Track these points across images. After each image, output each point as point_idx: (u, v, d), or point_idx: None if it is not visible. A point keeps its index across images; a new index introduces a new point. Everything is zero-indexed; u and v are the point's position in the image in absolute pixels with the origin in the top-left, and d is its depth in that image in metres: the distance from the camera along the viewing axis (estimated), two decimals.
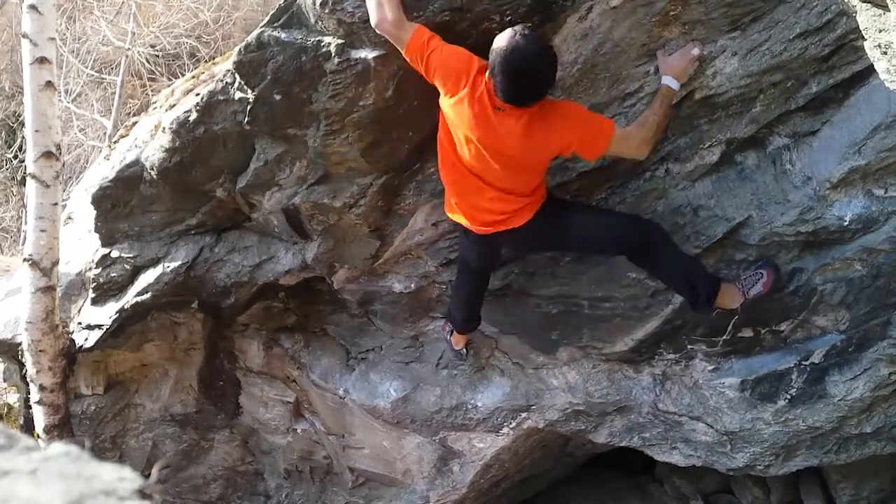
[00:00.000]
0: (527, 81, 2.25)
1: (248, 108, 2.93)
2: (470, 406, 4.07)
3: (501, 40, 2.24)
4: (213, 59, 5.02)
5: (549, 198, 2.76)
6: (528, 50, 2.20)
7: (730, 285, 2.93)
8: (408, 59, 2.43)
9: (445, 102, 2.45)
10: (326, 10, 2.53)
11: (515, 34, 2.22)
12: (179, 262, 3.77)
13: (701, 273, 2.90)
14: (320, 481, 4.85)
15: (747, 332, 3.31)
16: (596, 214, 3.01)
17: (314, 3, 2.55)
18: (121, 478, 0.67)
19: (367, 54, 2.60)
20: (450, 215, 2.85)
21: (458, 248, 3.32)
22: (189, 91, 3.66)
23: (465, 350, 3.66)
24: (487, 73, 2.30)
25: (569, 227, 2.80)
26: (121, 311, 3.97)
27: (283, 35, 2.71)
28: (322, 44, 2.65)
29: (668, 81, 2.55)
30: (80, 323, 4.16)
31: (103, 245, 3.93)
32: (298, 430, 4.65)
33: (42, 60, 3.69)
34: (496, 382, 4.02)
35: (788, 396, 3.33)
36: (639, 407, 3.74)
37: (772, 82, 2.66)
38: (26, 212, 5.80)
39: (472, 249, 2.97)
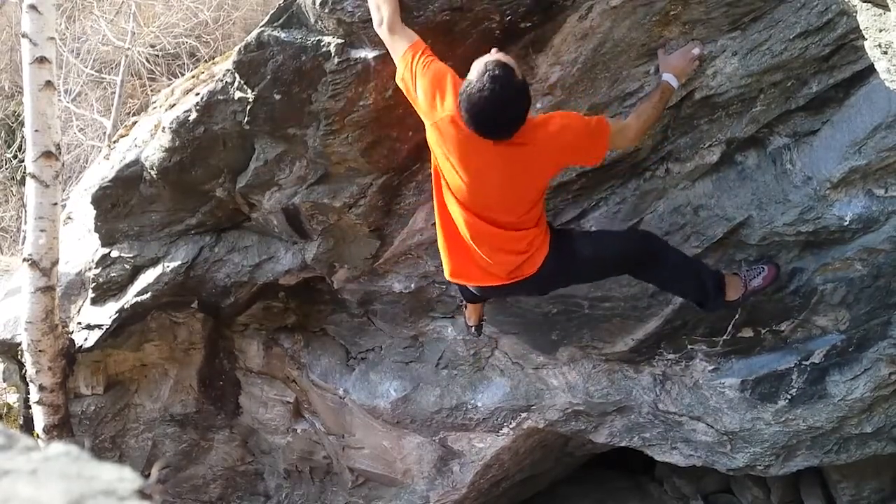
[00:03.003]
0: (492, 123, 2.16)
1: (248, 107, 2.93)
2: (470, 406, 4.07)
3: (472, 73, 2.14)
4: (213, 58, 5.01)
5: (552, 230, 2.63)
6: (494, 93, 2.08)
7: (731, 276, 2.91)
8: (402, 63, 2.33)
9: (436, 118, 2.30)
10: (326, 10, 2.52)
11: (485, 72, 2.09)
12: (179, 262, 3.77)
13: (705, 269, 2.87)
14: (320, 481, 4.85)
15: (747, 332, 3.31)
16: (596, 235, 2.96)
17: (314, 3, 2.55)
18: (121, 478, 0.67)
19: (367, 54, 2.60)
20: (455, 280, 2.70)
21: None
22: (189, 91, 3.66)
23: (477, 327, 3.49)
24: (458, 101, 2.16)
25: (578, 255, 2.64)
26: (120, 311, 3.97)
27: (282, 35, 2.71)
28: (322, 43, 2.65)
29: (669, 78, 2.53)
30: (79, 323, 4.16)
31: (103, 245, 3.93)
32: (298, 430, 4.65)
33: (42, 60, 3.69)
34: (496, 382, 4.02)
35: (789, 396, 3.33)
36: (639, 407, 3.74)
37: (772, 82, 2.66)
38: (26, 212, 5.79)
39: (469, 292, 2.92)
